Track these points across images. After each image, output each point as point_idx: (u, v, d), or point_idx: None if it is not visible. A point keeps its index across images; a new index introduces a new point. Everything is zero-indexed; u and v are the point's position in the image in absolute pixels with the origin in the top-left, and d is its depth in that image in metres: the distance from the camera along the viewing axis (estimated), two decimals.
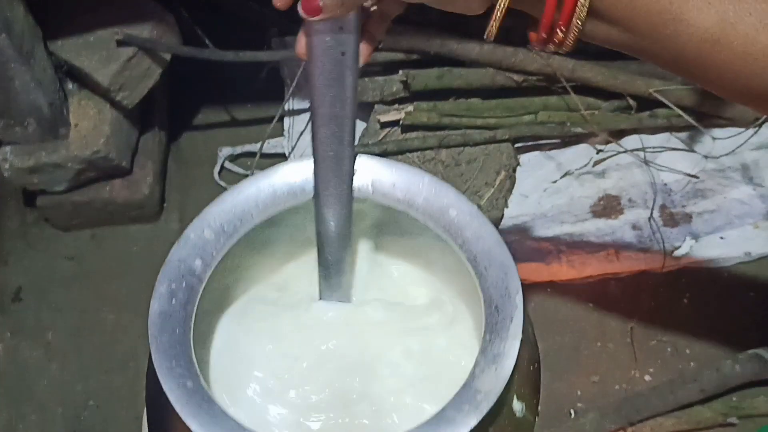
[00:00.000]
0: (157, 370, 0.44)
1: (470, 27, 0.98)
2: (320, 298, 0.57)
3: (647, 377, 0.91)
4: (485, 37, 0.43)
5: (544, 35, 0.43)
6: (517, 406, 0.49)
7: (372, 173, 0.52)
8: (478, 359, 0.45)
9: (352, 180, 0.50)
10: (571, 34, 0.42)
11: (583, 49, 0.90)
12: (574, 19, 0.41)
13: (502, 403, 0.47)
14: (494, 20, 0.42)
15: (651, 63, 0.45)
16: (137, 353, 0.94)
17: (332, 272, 0.55)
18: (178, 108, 1.13)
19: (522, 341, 0.46)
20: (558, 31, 0.42)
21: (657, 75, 1.01)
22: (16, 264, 1.03)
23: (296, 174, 0.53)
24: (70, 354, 0.95)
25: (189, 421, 0.42)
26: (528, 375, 0.51)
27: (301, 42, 0.42)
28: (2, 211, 1.05)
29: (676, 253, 0.98)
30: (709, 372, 0.86)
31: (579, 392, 0.91)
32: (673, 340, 0.93)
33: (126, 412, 0.90)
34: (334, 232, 0.52)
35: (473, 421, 0.42)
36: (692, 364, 0.91)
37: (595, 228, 1.01)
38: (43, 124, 0.89)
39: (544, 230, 1.01)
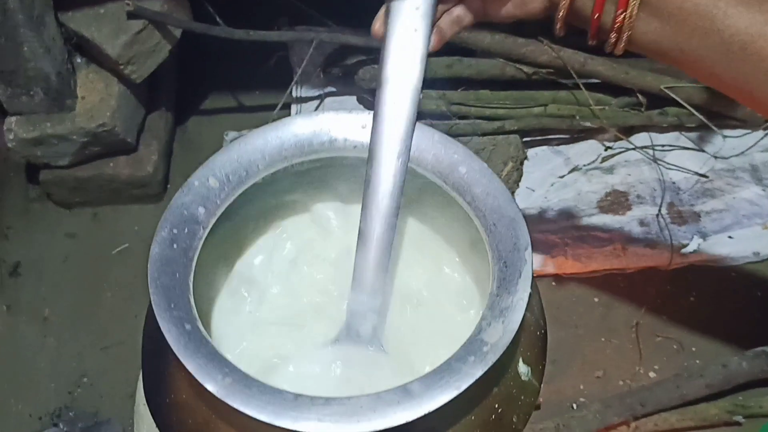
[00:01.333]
0: (155, 311, 0.43)
1: None
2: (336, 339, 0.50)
3: (652, 373, 0.90)
4: (555, 35, 0.49)
5: (597, 16, 0.46)
6: (523, 368, 0.48)
7: None
8: (485, 313, 0.44)
9: (405, 172, 0.47)
10: (629, 17, 0.45)
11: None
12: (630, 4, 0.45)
13: (508, 362, 0.46)
14: (559, 18, 0.48)
15: (690, 71, 0.48)
16: (133, 332, 0.92)
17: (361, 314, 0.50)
18: (186, 91, 1.13)
19: (529, 305, 0.44)
20: (616, 19, 0.46)
21: (668, 72, 1.01)
22: (15, 239, 1.02)
23: (305, 127, 0.52)
24: (66, 331, 0.94)
25: (187, 362, 0.41)
26: (535, 340, 0.50)
27: (377, 22, 0.47)
28: (4, 185, 1.05)
29: (684, 250, 0.97)
30: (715, 367, 0.84)
31: (582, 386, 0.89)
32: (678, 337, 0.92)
33: (119, 390, 0.89)
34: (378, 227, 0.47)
35: (478, 372, 0.40)
36: (698, 361, 0.90)
37: (602, 223, 1.00)
38: (50, 94, 0.88)
39: (550, 224, 1.00)
